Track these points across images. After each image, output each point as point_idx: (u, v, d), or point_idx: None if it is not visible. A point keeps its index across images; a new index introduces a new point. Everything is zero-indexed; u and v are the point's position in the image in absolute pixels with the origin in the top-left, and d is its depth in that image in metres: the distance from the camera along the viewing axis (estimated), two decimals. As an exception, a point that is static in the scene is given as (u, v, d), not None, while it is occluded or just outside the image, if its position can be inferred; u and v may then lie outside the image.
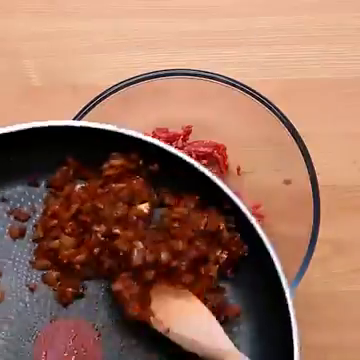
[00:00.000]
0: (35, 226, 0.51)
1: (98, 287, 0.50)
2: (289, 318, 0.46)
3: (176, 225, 0.48)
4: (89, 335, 0.49)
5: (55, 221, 0.50)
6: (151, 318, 0.47)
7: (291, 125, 0.58)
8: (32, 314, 0.49)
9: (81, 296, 0.49)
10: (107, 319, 0.49)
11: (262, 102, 0.58)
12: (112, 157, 0.50)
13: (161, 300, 0.48)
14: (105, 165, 0.50)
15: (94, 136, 0.49)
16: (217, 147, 0.64)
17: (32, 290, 0.50)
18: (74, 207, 0.49)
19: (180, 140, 0.64)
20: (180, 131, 0.64)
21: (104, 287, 0.50)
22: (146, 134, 0.62)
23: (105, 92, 0.58)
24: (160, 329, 0.47)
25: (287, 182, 0.61)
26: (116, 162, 0.49)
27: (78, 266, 0.49)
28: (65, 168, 0.51)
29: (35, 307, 0.49)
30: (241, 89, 0.59)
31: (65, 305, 0.49)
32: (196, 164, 0.49)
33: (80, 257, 0.48)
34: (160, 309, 0.48)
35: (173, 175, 0.50)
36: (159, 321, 0.47)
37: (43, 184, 0.52)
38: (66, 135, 0.49)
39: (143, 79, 0.59)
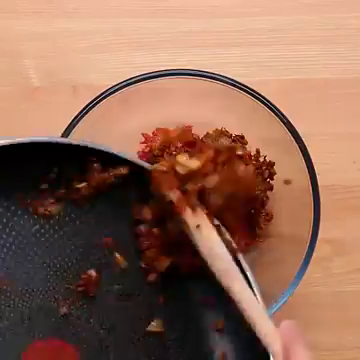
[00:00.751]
0: None
1: (78, 308, 0.50)
2: None
3: None
4: (70, 356, 0.49)
5: None
6: (187, 209, 0.47)
7: (291, 125, 0.58)
8: (16, 335, 0.49)
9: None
10: (89, 340, 0.50)
11: (262, 102, 0.58)
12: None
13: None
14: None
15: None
16: (217, 147, 0.64)
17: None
18: None
19: (180, 140, 0.64)
20: (180, 131, 0.64)
21: (86, 308, 0.50)
22: (145, 135, 0.63)
23: (105, 92, 0.58)
24: (191, 223, 0.47)
25: (287, 182, 0.61)
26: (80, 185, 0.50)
27: None
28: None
29: (19, 327, 0.49)
30: (241, 89, 0.59)
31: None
32: None
33: None
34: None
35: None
36: (193, 215, 0.47)
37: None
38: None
39: (143, 79, 0.58)
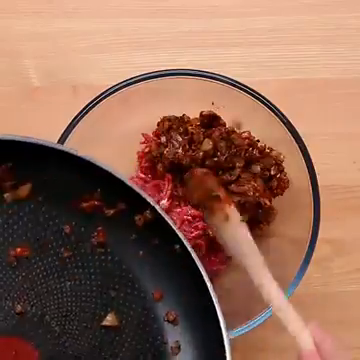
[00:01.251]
0: None
1: (33, 306, 0.51)
2: None
3: None
4: (28, 354, 0.49)
5: None
6: (228, 206, 0.52)
7: (291, 125, 0.58)
8: None
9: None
10: (47, 338, 0.50)
11: (262, 102, 0.58)
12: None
13: None
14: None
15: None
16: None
17: None
18: None
19: (180, 140, 0.64)
20: (180, 131, 0.64)
21: (40, 306, 0.51)
22: (145, 136, 0.63)
23: (105, 92, 0.58)
24: (224, 212, 0.52)
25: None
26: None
27: None
28: None
29: None
30: (241, 89, 0.59)
31: None
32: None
33: None
34: None
35: None
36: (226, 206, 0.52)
37: None
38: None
39: (143, 79, 0.59)
